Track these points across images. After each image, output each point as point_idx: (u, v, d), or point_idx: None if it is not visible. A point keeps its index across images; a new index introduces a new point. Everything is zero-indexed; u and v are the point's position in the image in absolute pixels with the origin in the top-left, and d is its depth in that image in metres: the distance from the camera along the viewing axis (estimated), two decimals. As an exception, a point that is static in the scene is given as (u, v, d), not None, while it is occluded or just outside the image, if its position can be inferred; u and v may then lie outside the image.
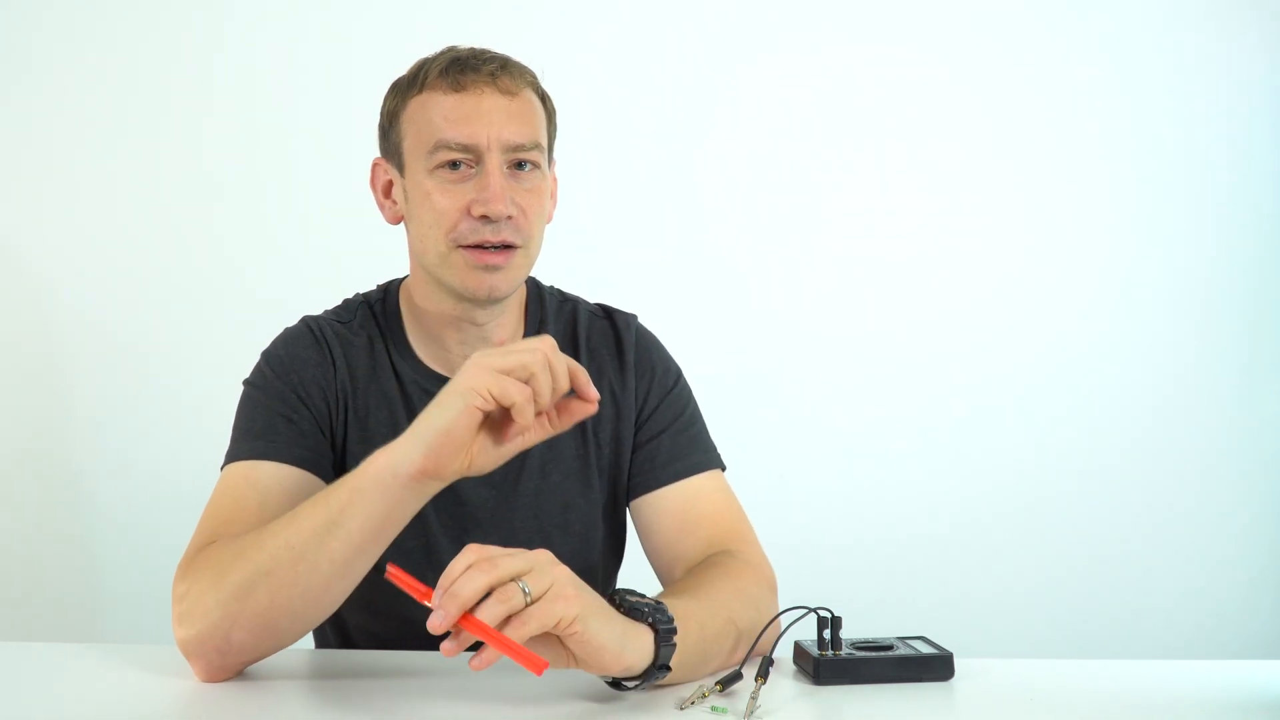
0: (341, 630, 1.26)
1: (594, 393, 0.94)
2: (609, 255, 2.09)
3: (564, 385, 0.91)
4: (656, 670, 0.89)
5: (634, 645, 0.87)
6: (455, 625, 0.80)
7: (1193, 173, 2.24)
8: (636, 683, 0.90)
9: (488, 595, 0.81)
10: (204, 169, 2.11)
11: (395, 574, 0.86)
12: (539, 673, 0.80)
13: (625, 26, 2.17)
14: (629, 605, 0.89)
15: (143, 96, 2.10)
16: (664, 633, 0.88)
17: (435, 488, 0.92)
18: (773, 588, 1.13)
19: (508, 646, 0.80)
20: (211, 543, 1.00)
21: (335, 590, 0.95)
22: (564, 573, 0.85)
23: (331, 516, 0.91)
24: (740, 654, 1.01)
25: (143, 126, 2.10)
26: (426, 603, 0.82)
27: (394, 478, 0.90)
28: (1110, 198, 2.23)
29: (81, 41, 2.09)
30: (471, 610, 0.80)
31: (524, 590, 0.81)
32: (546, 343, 0.91)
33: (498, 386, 0.88)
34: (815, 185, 2.20)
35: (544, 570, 0.84)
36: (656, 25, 2.18)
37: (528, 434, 0.94)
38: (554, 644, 0.86)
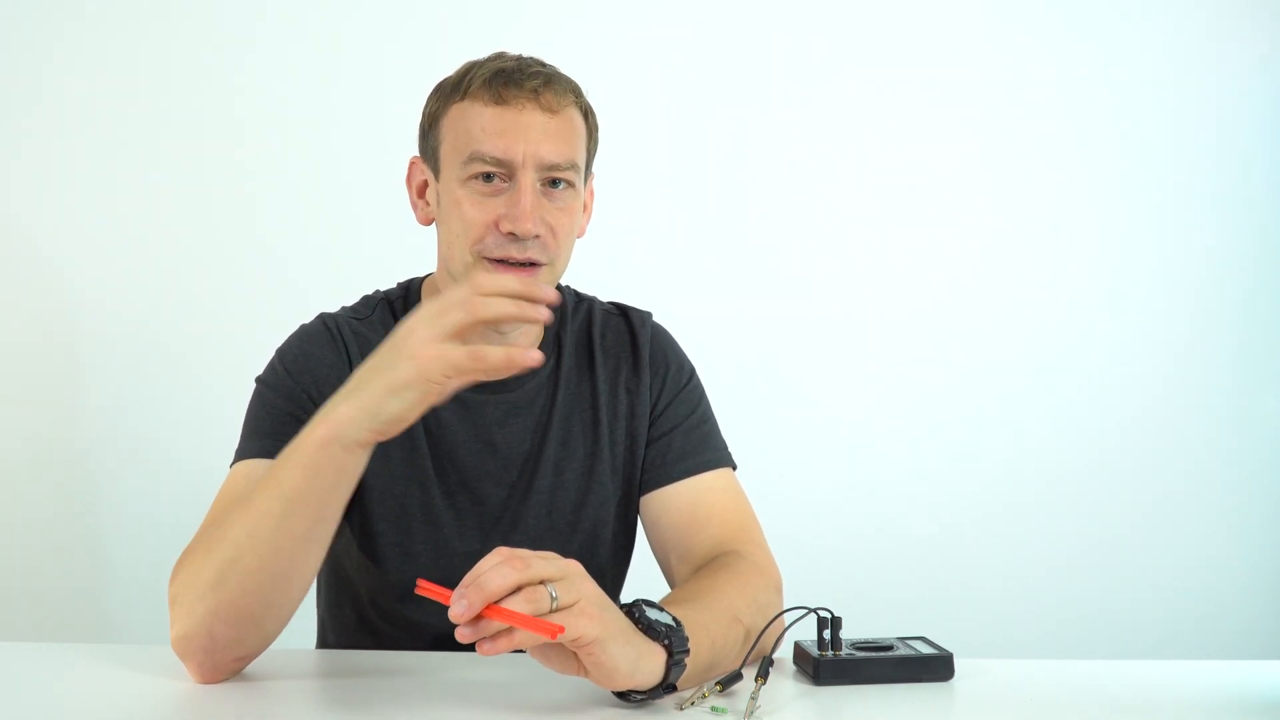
0: (346, 627, 1.26)
1: (542, 299, 0.89)
2: (609, 256, 2.08)
3: (508, 310, 0.87)
4: (663, 690, 0.89)
5: (646, 666, 0.87)
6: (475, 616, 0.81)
7: (1188, 172, 2.23)
8: (642, 697, 0.90)
9: (514, 595, 0.81)
10: (224, 165, 2.11)
11: (424, 587, 0.86)
12: (553, 638, 0.81)
13: (643, 27, 2.17)
14: (647, 623, 0.89)
15: (168, 93, 2.10)
16: (677, 655, 0.88)
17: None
18: (779, 589, 1.13)
19: (523, 620, 0.80)
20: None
21: (302, 567, 0.95)
22: (592, 589, 0.85)
23: (286, 494, 0.91)
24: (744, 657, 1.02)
25: (164, 123, 2.10)
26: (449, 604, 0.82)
27: (343, 449, 0.89)
28: (1107, 197, 2.23)
29: (106, 38, 2.09)
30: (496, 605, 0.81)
31: (551, 595, 0.82)
32: (471, 293, 0.87)
33: (454, 370, 0.86)
34: (814, 186, 2.20)
35: (574, 582, 0.84)
36: (674, 25, 2.18)
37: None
38: (567, 654, 0.86)
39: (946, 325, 2.21)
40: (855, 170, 2.21)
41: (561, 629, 0.81)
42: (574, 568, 0.85)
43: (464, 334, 0.86)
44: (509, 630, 0.81)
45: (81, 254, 2.09)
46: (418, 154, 1.19)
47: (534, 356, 0.86)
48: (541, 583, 0.82)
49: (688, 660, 0.90)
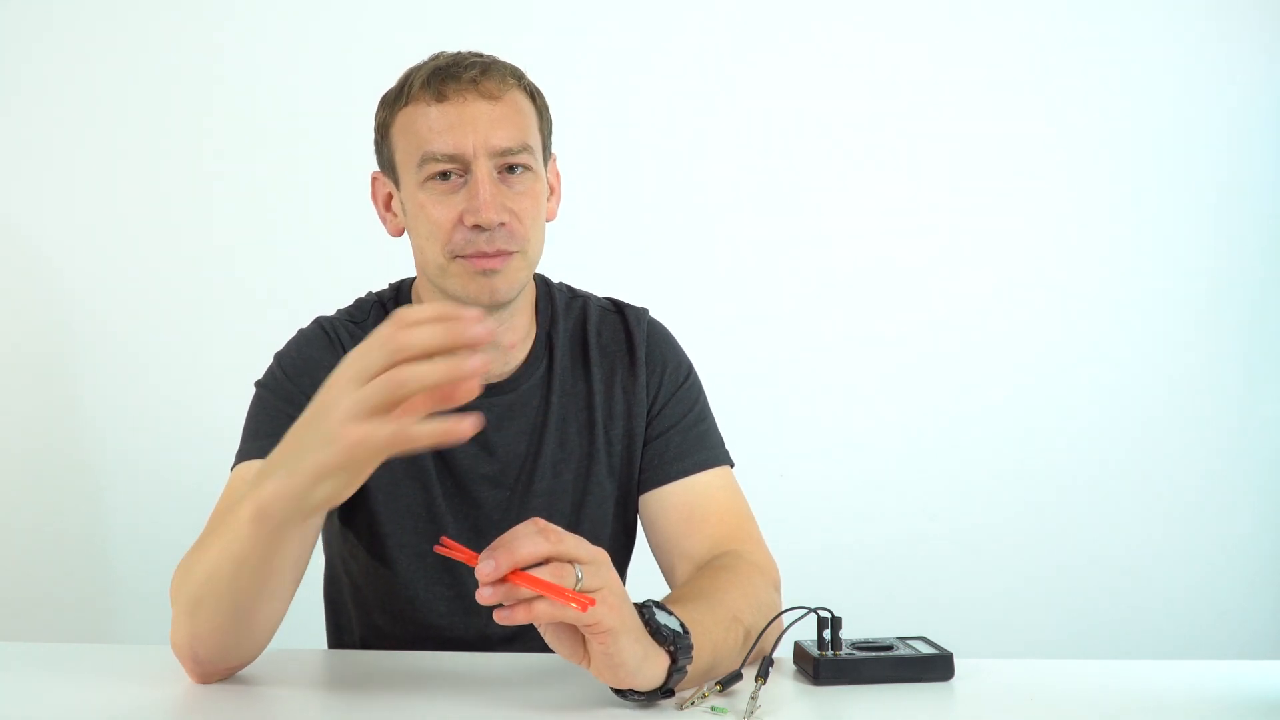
0: (354, 632, 1.26)
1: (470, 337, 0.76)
2: (608, 253, 2.08)
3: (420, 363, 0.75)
4: (660, 694, 0.89)
5: (649, 669, 0.87)
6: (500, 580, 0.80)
7: (1193, 173, 2.23)
8: (639, 698, 0.90)
9: (541, 567, 0.81)
10: (218, 170, 2.11)
11: (447, 544, 0.85)
12: (584, 610, 0.80)
13: (637, 23, 2.17)
14: (655, 626, 0.88)
15: (162, 100, 2.10)
16: (680, 664, 0.88)
17: None
18: (778, 587, 1.14)
19: (553, 590, 0.79)
20: None
21: (267, 610, 0.95)
22: (616, 580, 0.85)
23: (233, 555, 0.88)
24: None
25: (157, 129, 2.10)
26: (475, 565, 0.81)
27: (276, 527, 0.84)
28: (1110, 199, 2.23)
29: (106, 41, 2.10)
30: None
31: (577, 576, 0.81)
32: (383, 335, 0.75)
33: (381, 454, 0.76)
34: (815, 184, 2.20)
35: (600, 569, 0.84)
36: (667, 21, 2.18)
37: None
38: (576, 639, 0.86)
39: (947, 325, 2.21)
40: (859, 169, 2.20)
41: (593, 602, 0.80)
42: (601, 555, 0.85)
43: (397, 403, 0.75)
44: (528, 602, 0.80)
45: (81, 256, 2.10)
46: (377, 169, 1.19)
47: (465, 427, 0.75)
48: (570, 562, 0.82)
49: (689, 668, 0.90)
